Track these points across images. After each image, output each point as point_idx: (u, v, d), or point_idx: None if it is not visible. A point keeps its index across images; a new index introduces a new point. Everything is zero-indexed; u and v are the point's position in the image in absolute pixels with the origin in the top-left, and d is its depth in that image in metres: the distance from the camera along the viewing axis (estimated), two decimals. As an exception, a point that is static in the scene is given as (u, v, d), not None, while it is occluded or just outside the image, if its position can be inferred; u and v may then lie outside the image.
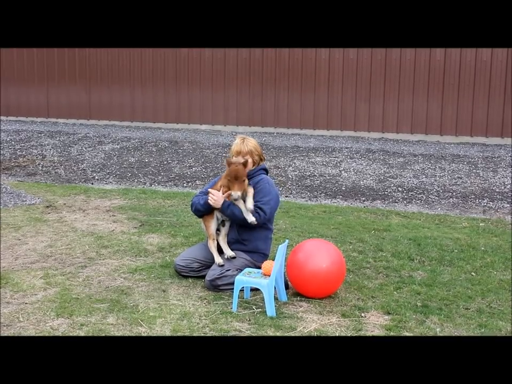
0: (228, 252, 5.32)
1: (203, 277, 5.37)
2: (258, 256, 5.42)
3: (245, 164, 5.29)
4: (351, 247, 6.51)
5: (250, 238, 5.41)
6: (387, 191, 9.43)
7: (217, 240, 5.41)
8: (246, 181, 5.31)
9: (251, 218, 5.20)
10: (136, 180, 10.23)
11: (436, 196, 9.20)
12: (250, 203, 5.22)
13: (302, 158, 11.60)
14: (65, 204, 8.39)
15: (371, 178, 10.19)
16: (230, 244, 5.43)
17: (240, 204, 5.25)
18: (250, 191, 5.29)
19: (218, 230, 5.44)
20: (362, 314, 4.80)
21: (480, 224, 7.65)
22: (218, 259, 5.29)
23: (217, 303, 4.97)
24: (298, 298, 5.10)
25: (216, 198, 5.31)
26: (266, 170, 5.60)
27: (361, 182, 9.95)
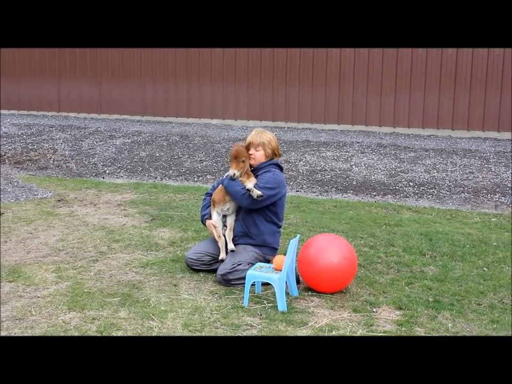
0: (230, 245, 5.38)
1: (214, 271, 5.38)
2: (267, 250, 5.44)
3: (247, 148, 5.39)
4: (362, 242, 6.49)
5: (257, 232, 5.42)
6: (398, 186, 9.40)
7: (224, 236, 5.45)
8: (251, 174, 5.39)
9: (257, 192, 5.20)
10: (147, 174, 10.25)
11: (447, 190, 9.16)
12: (251, 184, 5.25)
13: (312, 152, 11.58)
14: (76, 197, 8.42)
15: (382, 173, 10.16)
16: (238, 237, 5.46)
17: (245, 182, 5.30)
18: (253, 179, 5.32)
19: (224, 225, 5.48)
20: (374, 310, 4.79)
21: (492, 219, 7.61)
22: (222, 254, 5.35)
23: (228, 297, 4.97)
24: (310, 293, 5.10)
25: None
26: (279, 166, 5.59)
27: (372, 177, 9.92)
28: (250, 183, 5.26)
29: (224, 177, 5.47)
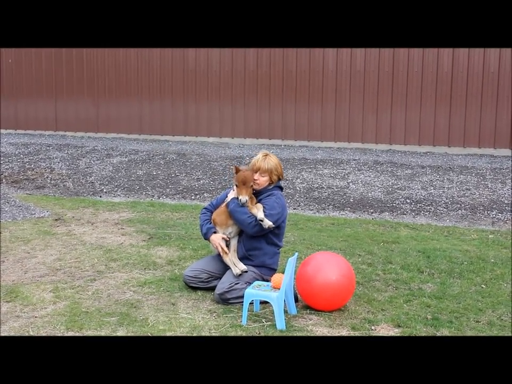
0: (240, 266, 5.30)
1: (212, 289, 5.37)
2: (266, 270, 5.42)
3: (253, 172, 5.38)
4: (360, 259, 6.49)
5: (257, 253, 5.40)
6: (395, 203, 9.42)
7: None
8: (254, 198, 5.35)
9: (268, 223, 5.19)
10: (144, 193, 10.25)
11: (445, 207, 9.18)
12: (261, 213, 5.21)
13: (309, 170, 11.61)
14: (73, 217, 8.41)
15: (379, 190, 10.18)
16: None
17: (253, 210, 5.25)
18: (260, 206, 5.29)
19: (227, 246, 5.42)
20: (373, 327, 4.79)
21: (490, 236, 7.63)
22: (235, 269, 5.28)
23: (226, 316, 4.97)
24: (308, 311, 5.09)
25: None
26: (281, 188, 5.60)
27: (369, 194, 9.94)
28: (259, 211, 5.21)
29: (229, 200, 5.38)
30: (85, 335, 4.57)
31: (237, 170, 5.31)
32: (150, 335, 4.58)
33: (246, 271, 5.27)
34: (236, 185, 5.29)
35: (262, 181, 5.42)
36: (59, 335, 4.57)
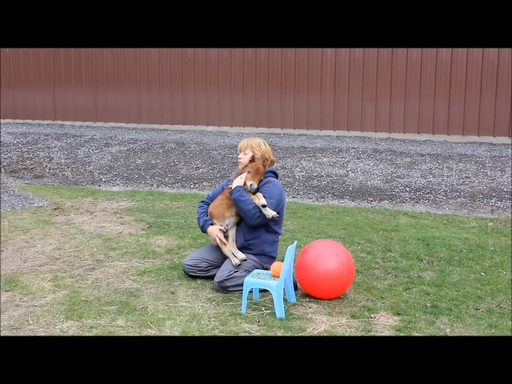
0: (239, 255, 5.31)
1: (211, 278, 5.37)
2: (265, 258, 5.42)
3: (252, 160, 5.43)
4: (359, 247, 6.49)
5: (256, 242, 5.40)
6: (394, 191, 9.41)
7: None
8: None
9: (272, 213, 5.21)
10: (143, 182, 10.24)
11: (444, 195, 9.17)
12: (263, 200, 5.23)
13: (308, 158, 11.59)
14: (72, 206, 8.40)
15: (378, 178, 10.17)
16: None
17: (255, 200, 5.26)
18: (260, 195, 5.29)
19: (225, 237, 5.42)
20: (372, 315, 4.79)
21: (489, 223, 7.63)
22: (234, 260, 5.28)
23: (226, 304, 4.96)
24: (307, 300, 5.09)
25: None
26: (275, 174, 5.59)
27: (369, 182, 9.93)
28: (261, 199, 5.23)
29: (233, 188, 5.36)
30: (84, 324, 4.56)
31: (253, 159, 5.41)
32: (149, 323, 4.58)
33: (245, 260, 5.28)
34: (249, 172, 5.33)
35: (244, 158, 5.47)
36: (58, 324, 4.57)
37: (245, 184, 5.33)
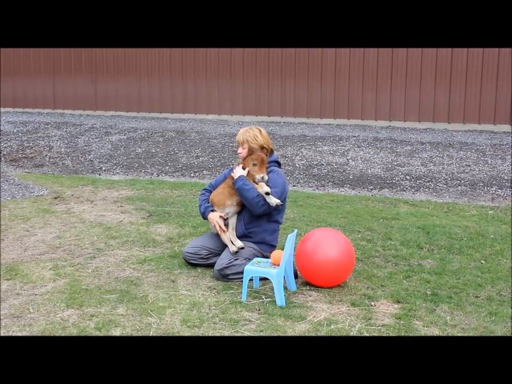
0: (237, 243, 5.32)
1: (212, 266, 5.37)
2: (265, 247, 5.42)
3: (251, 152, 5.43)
4: (359, 235, 6.49)
5: (257, 230, 5.41)
6: (395, 180, 9.40)
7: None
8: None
9: (276, 201, 5.22)
10: (143, 171, 10.23)
11: (444, 184, 9.16)
12: (266, 187, 5.24)
13: (309, 147, 11.57)
14: (73, 195, 8.40)
15: (379, 166, 10.16)
16: (237, 238, 5.44)
17: (258, 188, 5.27)
18: (263, 183, 5.31)
19: (226, 224, 5.43)
20: (372, 303, 4.79)
21: (489, 212, 7.62)
22: (232, 247, 5.30)
23: (226, 292, 4.97)
24: (308, 288, 5.10)
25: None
26: (278, 163, 5.59)
27: (369, 171, 9.92)
28: (265, 187, 5.24)
29: (236, 178, 5.35)
30: (85, 312, 4.57)
31: (251, 152, 5.43)
32: (150, 312, 4.58)
33: (243, 248, 5.28)
34: (254, 164, 5.33)
35: (243, 152, 5.47)
36: (59, 312, 4.57)
37: (249, 175, 5.33)
